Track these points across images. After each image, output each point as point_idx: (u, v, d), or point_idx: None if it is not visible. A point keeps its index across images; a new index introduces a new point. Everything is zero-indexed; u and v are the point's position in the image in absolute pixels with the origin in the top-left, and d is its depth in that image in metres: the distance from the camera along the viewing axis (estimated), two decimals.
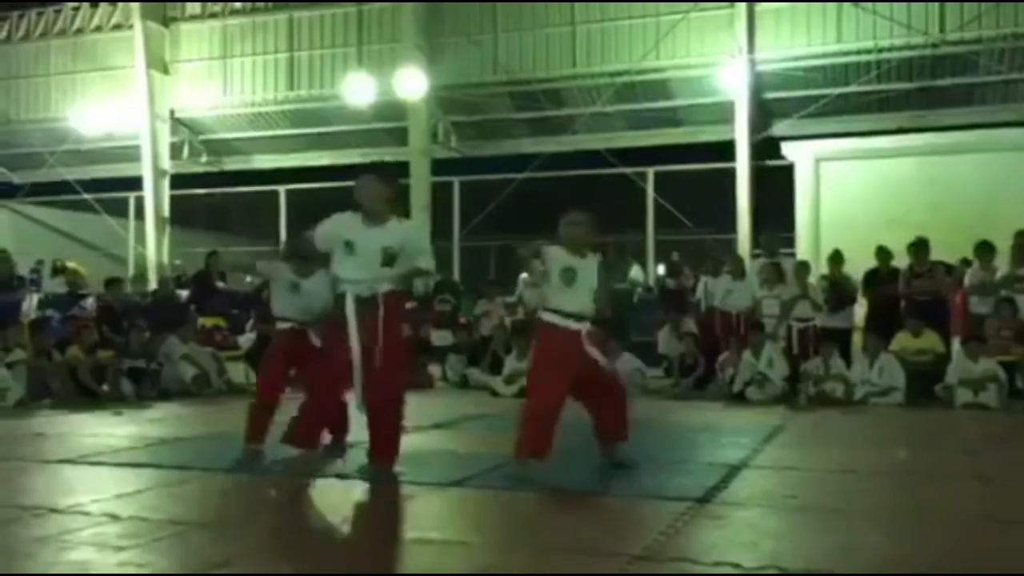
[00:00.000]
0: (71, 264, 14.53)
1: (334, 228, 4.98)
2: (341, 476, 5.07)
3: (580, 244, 5.08)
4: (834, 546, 3.68)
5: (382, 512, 4.35)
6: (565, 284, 4.97)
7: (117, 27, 19.18)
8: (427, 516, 4.36)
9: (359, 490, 4.79)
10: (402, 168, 17.13)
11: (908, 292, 10.15)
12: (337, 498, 4.63)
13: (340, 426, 5.71)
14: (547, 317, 5.06)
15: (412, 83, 16.06)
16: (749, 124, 15.36)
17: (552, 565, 3.41)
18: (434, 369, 11.53)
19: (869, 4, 14.67)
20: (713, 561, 3.39)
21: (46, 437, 6.82)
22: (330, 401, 5.24)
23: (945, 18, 14.45)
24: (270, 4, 18.35)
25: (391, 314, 4.88)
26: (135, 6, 18.50)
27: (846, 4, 14.77)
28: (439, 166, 17.31)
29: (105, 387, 9.51)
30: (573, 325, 5.02)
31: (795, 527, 4.05)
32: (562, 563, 3.43)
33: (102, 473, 5.28)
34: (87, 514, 4.09)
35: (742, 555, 3.46)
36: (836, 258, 10.74)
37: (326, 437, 5.66)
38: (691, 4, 15.49)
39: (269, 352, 5.92)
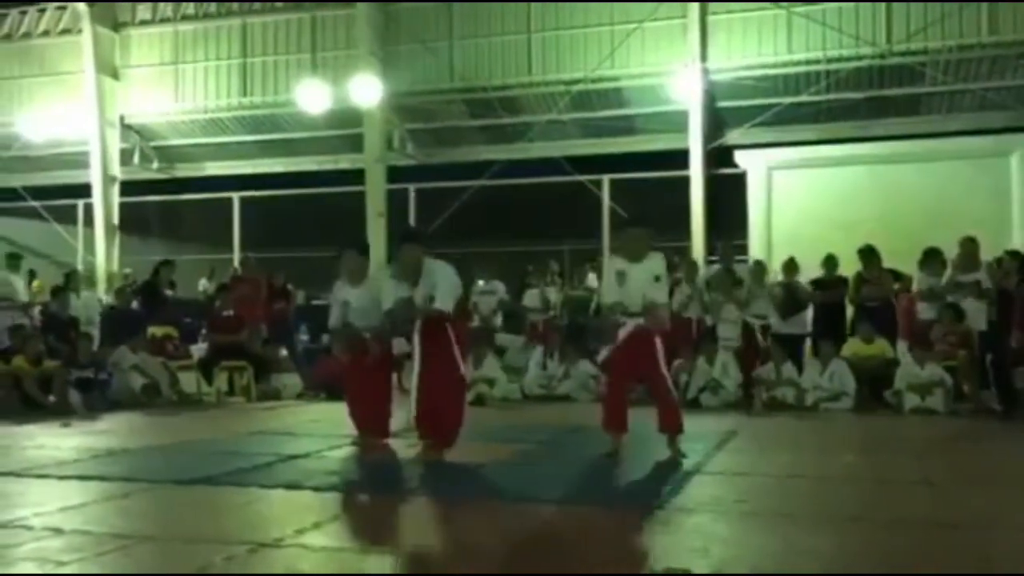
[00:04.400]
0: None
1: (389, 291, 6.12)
2: (292, 486, 5.02)
3: (634, 252, 6.07)
4: (782, 551, 3.72)
5: (343, 522, 4.30)
6: (618, 286, 6.06)
7: (66, 32, 18.87)
8: (378, 526, 4.33)
9: (307, 500, 4.74)
10: (358, 175, 17.06)
11: (856, 298, 10.33)
12: (285, 509, 4.57)
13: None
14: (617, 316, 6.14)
15: (367, 90, 15.99)
16: (702, 133, 15.53)
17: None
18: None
19: (819, 15, 14.92)
20: (663, 568, 3.40)
21: None
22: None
23: (892, 30, 14.76)
24: (223, 9, 18.16)
25: (444, 331, 5.90)
26: (84, 11, 18.19)
27: (796, 15, 15.02)
28: (395, 173, 17.24)
29: (52, 398, 9.32)
30: (628, 321, 6.02)
31: (745, 532, 4.08)
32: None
33: (47, 486, 5.16)
34: (29, 528, 3.99)
35: (692, 561, 3.48)
36: (791, 265, 10.92)
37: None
38: (645, 14, 15.63)
39: None
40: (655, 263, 6.14)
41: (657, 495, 4.71)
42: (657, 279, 6.08)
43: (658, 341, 6.08)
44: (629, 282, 6.07)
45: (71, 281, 12.23)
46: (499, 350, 11.28)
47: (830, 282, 10.64)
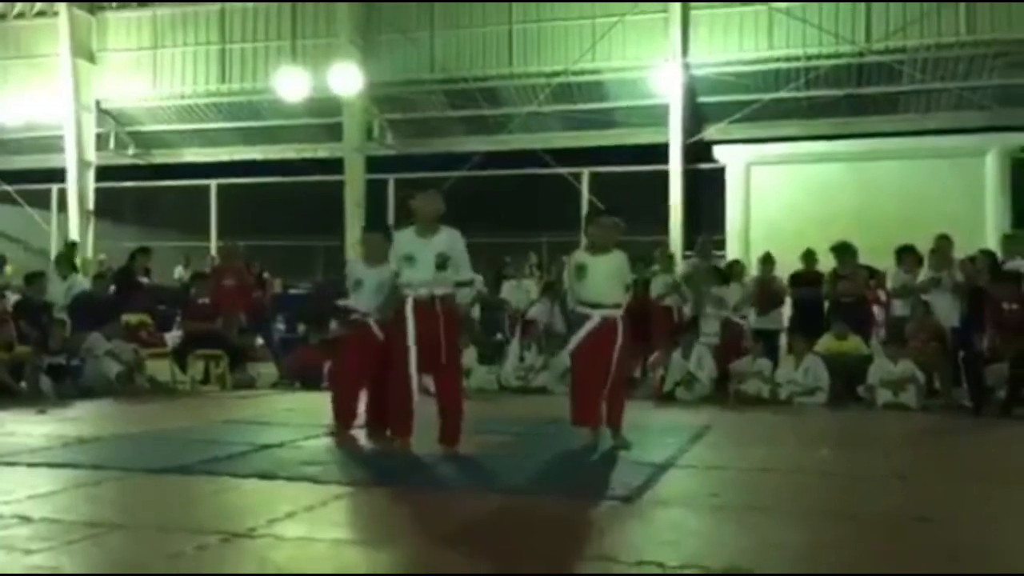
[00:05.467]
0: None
1: (396, 248, 5.79)
2: (265, 476, 4.99)
3: (602, 243, 6.07)
4: (755, 544, 3.73)
5: (317, 512, 4.28)
6: (579, 278, 6.02)
7: (41, 14, 18.65)
8: (351, 516, 4.32)
9: (280, 490, 4.72)
10: (336, 165, 16.97)
11: (830, 293, 10.40)
12: (258, 499, 4.55)
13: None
14: (577, 308, 6.12)
15: (347, 79, 15.91)
16: (682, 127, 15.56)
17: (472, 566, 3.40)
18: None
19: (799, 12, 14.99)
20: (636, 560, 3.41)
21: None
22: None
23: (871, 28, 14.85)
24: None
25: (449, 315, 5.68)
26: None
27: (777, 12, 15.07)
28: (374, 163, 17.16)
29: (23, 384, 9.22)
30: (593, 312, 5.99)
31: (718, 526, 4.10)
32: (483, 565, 3.42)
33: (16, 473, 5.10)
34: None
35: (665, 554, 3.49)
36: (767, 260, 10.98)
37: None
38: (627, 7, 15.63)
39: None
40: (620, 260, 6.13)
41: (631, 488, 4.72)
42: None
43: (621, 334, 5.99)
44: (590, 274, 6.05)
45: (60, 265, 12.12)
46: (478, 341, 11.26)
47: (808, 276, 10.69)
